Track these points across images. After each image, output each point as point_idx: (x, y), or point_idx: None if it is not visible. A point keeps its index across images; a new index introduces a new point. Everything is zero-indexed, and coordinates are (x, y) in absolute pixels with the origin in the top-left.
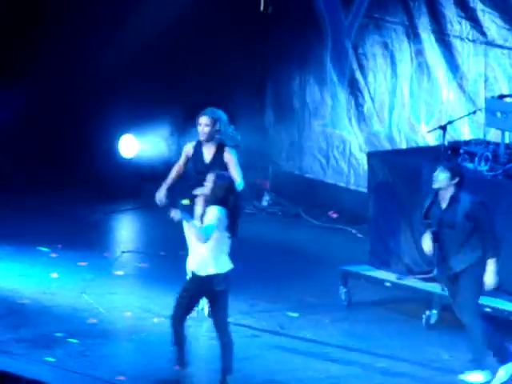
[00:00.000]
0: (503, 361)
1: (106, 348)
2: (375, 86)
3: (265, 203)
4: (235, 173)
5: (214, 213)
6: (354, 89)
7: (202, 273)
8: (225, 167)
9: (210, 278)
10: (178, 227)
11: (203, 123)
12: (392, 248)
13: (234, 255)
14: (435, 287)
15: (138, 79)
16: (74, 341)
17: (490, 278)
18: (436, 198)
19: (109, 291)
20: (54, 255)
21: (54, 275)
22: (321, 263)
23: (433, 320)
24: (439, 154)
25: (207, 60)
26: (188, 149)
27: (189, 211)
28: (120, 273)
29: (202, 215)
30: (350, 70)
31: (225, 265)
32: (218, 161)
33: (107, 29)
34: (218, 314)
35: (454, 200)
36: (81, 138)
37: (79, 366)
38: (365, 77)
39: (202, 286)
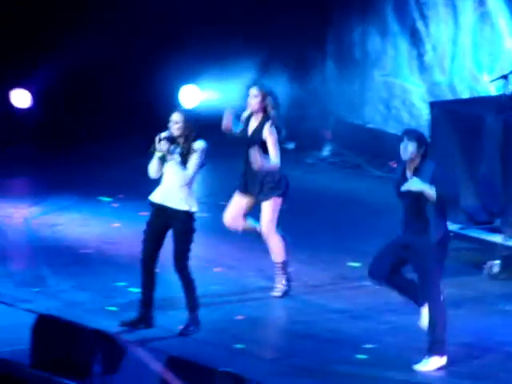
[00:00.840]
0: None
1: (165, 297)
2: (437, 35)
3: (326, 153)
4: (272, 152)
5: (200, 145)
6: (415, 39)
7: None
8: (263, 143)
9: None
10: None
11: (252, 94)
12: (454, 198)
13: (295, 206)
14: (498, 237)
15: (201, 29)
16: (136, 290)
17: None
18: (404, 169)
19: (169, 241)
20: (115, 205)
21: (116, 225)
22: (382, 214)
23: (495, 270)
24: (501, 103)
25: (269, 11)
26: (244, 113)
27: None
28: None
29: None
30: (411, 20)
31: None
32: (259, 134)
33: None
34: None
35: (417, 170)
36: (142, 86)
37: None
38: (426, 26)
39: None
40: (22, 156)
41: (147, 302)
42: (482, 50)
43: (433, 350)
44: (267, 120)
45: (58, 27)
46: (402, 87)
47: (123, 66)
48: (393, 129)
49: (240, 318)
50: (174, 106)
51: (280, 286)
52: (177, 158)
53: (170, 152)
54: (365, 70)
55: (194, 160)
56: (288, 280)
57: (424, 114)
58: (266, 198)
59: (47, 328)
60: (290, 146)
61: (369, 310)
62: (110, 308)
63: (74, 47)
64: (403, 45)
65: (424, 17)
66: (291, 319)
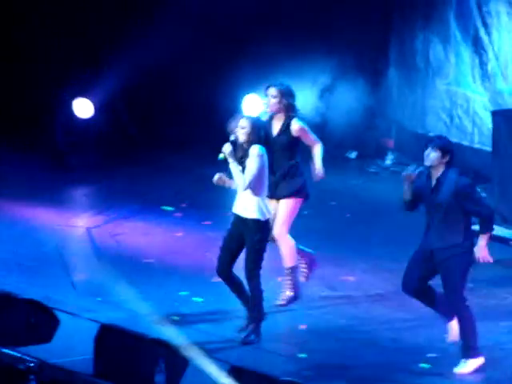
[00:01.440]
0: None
1: (228, 307)
2: (500, 43)
3: (388, 162)
4: (312, 139)
5: (256, 150)
6: (478, 47)
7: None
8: (293, 140)
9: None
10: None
11: (270, 94)
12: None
13: (357, 214)
14: None
15: (261, 39)
16: (199, 299)
17: (480, 251)
18: (428, 176)
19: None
20: (178, 214)
21: (179, 234)
22: None
23: None
24: None
25: (332, 19)
26: (264, 116)
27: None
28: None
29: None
30: (474, 28)
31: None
32: (286, 134)
33: None
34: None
35: (440, 180)
36: (206, 95)
37: (203, 324)
38: (489, 35)
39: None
40: (85, 165)
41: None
42: None
43: (468, 354)
44: (290, 119)
45: (120, 36)
46: (465, 96)
47: (186, 75)
48: (455, 138)
49: (303, 327)
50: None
51: (287, 293)
52: (235, 165)
53: (230, 158)
54: (427, 78)
55: (249, 166)
56: (296, 287)
57: (487, 122)
58: (284, 196)
59: (110, 338)
60: (353, 154)
61: (432, 318)
62: (174, 317)
63: (135, 56)
64: (466, 53)
65: (486, 25)
66: (354, 328)
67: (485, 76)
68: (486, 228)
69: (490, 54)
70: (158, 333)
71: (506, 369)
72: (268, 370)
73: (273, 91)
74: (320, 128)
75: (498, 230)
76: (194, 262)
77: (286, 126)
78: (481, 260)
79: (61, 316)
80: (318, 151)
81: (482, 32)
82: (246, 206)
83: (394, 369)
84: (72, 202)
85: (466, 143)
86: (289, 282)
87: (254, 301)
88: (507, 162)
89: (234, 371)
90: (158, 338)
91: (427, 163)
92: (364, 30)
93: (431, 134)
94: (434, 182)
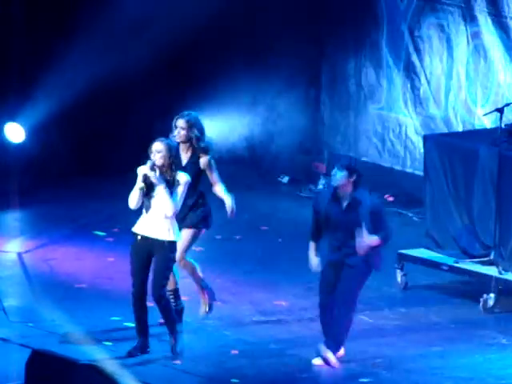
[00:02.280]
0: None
1: (161, 331)
2: (431, 68)
3: (320, 187)
4: (215, 177)
5: (185, 178)
6: (409, 72)
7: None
8: (200, 172)
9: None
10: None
11: (179, 126)
12: (448, 231)
13: (289, 239)
14: (492, 270)
15: (195, 62)
16: (131, 325)
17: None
18: (334, 196)
19: None
20: (110, 239)
21: (111, 259)
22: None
23: (490, 303)
24: (496, 136)
25: (261, 45)
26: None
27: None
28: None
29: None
30: (405, 53)
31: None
32: (194, 165)
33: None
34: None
35: (353, 200)
36: (141, 120)
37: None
38: (421, 60)
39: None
40: (16, 190)
41: (144, 330)
42: (477, 82)
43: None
44: (199, 151)
45: (52, 58)
46: (397, 120)
47: (121, 98)
48: (387, 162)
49: (235, 352)
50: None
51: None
52: (164, 189)
53: (157, 182)
54: (359, 102)
55: (179, 192)
56: (209, 293)
57: (419, 147)
58: (189, 226)
59: (42, 363)
60: (285, 179)
61: (364, 344)
62: (106, 342)
63: (68, 79)
64: (398, 78)
65: (418, 50)
66: (286, 353)
67: (417, 100)
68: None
69: (422, 79)
70: (91, 358)
71: None
72: None
73: (181, 123)
74: (252, 152)
75: (431, 255)
76: (126, 287)
77: (195, 158)
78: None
79: None
80: (220, 189)
81: (413, 57)
82: (162, 227)
83: None
84: (3, 226)
85: (398, 167)
86: (202, 295)
87: (168, 318)
88: (438, 186)
89: None
90: (91, 362)
91: (334, 183)
92: (296, 54)
93: (341, 154)
94: (344, 201)
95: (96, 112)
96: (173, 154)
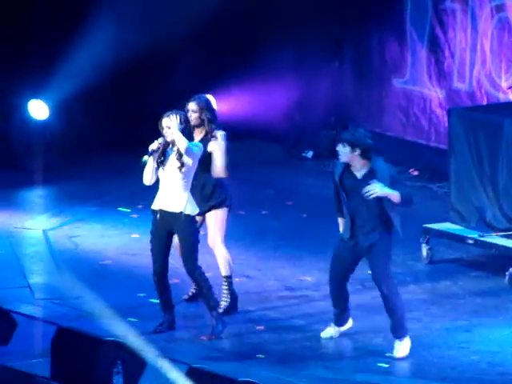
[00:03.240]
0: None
1: (186, 308)
2: (455, 42)
3: None
4: (218, 162)
5: (198, 144)
6: (433, 45)
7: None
8: (209, 154)
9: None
10: (255, 189)
11: (190, 109)
12: (473, 205)
13: (314, 214)
14: None
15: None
16: (156, 301)
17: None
18: (347, 167)
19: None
20: (134, 216)
21: (135, 236)
22: (402, 221)
23: None
24: None
25: (284, 20)
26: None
27: None
28: (201, 232)
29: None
30: (429, 27)
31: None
32: (206, 147)
33: None
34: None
35: (370, 170)
36: (164, 98)
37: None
38: (445, 33)
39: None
40: (41, 167)
41: (169, 305)
42: (501, 56)
43: (402, 334)
44: (209, 133)
45: (75, 37)
46: (421, 94)
47: (145, 76)
48: (412, 136)
49: (260, 328)
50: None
51: (223, 303)
52: (175, 161)
53: (165, 155)
54: (383, 76)
55: (190, 162)
56: (232, 296)
57: (443, 120)
58: (211, 209)
59: (67, 340)
60: (309, 154)
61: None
62: (131, 319)
63: (91, 57)
64: (422, 51)
65: (442, 23)
66: (312, 328)
67: (441, 74)
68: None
69: (446, 53)
70: (116, 334)
71: (464, 366)
72: (225, 371)
73: (192, 106)
74: (276, 127)
75: (456, 229)
76: (151, 264)
77: (207, 140)
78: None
79: (18, 319)
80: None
81: (437, 30)
82: (178, 201)
83: (352, 368)
84: (28, 204)
85: (422, 142)
86: (225, 290)
87: (203, 290)
88: (463, 160)
89: (191, 372)
90: (116, 339)
91: (342, 160)
92: (320, 29)
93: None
94: (358, 172)
95: (120, 89)
96: (184, 125)
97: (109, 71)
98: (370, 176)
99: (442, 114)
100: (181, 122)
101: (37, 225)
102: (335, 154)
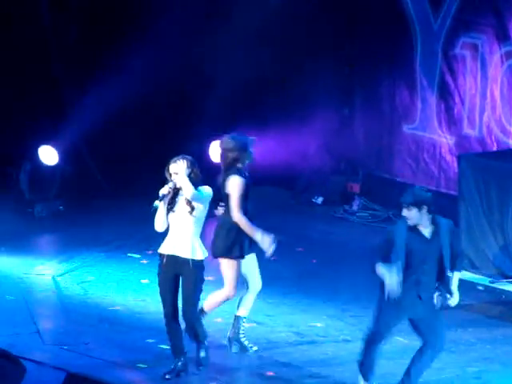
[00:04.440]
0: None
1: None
2: (465, 88)
3: (355, 207)
4: (234, 205)
5: (207, 189)
6: (443, 92)
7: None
8: (226, 196)
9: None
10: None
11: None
12: (484, 251)
13: (324, 260)
14: None
15: (229, 84)
16: (166, 347)
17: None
18: (415, 230)
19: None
20: (144, 261)
21: (145, 281)
22: None
23: None
24: None
25: (294, 66)
26: None
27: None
28: (211, 278)
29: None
30: (439, 73)
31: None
32: (223, 187)
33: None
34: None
35: (435, 225)
36: (172, 141)
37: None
38: (455, 79)
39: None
40: (50, 213)
41: (181, 350)
42: (511, 102)
43: None
44: (230, 174)
45: (83, 81)
46: (431, 140)
47: (149, 121)
48: (422, 182)
49: (270, 374)
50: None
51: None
52: (185, 206)
53: (175, 200)
54: (393, 122)
55: (201, 206)
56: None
57: (453, 166)
58: (219, 256)
59: None
60: (319, 200)
61: (401, 365)
62: (141, 365)
63: (100, 101)
64: (431, 98)
65: (452, 70)
66: (322, 374)
67: (451, 120)
68: (460, 263)
69: (456, 99)
70: (125, 380)
71: None
72: None
73: (220, 145)
74: (286, 173)
75: (466, 275)
76: (160, 309)
77: (224, 181)
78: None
79: (27, 365)
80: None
81: (447, 76)
82: (186, 246)
83: None
84: (38, 249)
85: (432, 187)
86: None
87: (197, 340)
88: (473, 206)
89: None
90: None
91: (411, 223)
92: (329, 76)
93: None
94: (425, 230)
95: (129, 135)
96: (191, 170)
97: (119, 116)
98: (436, 231)
99: (452, 160)
100: (188, 167)
101: (46, 270)
102: (344, 200)
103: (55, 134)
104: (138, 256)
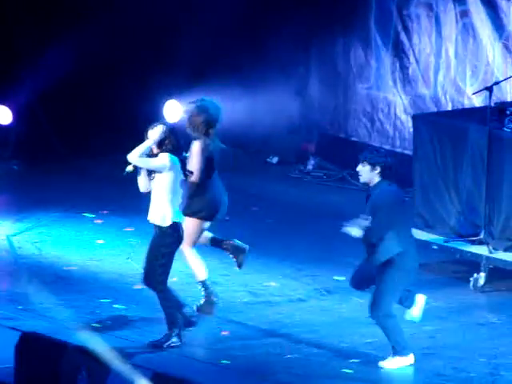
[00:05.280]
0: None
1: (150, 314)
2: (420, 47)
3: (310, 167)
4: (191, 168)
5: (164, 157)
6: (398, 51)
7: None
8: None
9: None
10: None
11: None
12: (438, 211)
13: (279, 220)
14: (482, 249)
15: (181, 44)
16: (121, 307)
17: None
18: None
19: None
20: (99, 221)
21: (100, 241)
22: None
23: (480, 282)
24: (485, 115)
25: (253, 23)
26: None
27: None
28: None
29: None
30: (394, 32)
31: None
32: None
33: None
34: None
35: (371, 189)
36: (125, 100)
37: (125, 331)
38: (409, 39)
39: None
40: (5, 173)
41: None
42: (466, 61)
43: (395, 351)
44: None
45: (39, 39)
46: (386, 100)
47: (107, 80)
48: (377, 141)
49: (225, 333)
50: (158, 120)
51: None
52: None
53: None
54: (348, 82)
55: (150, 160)
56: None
57: (408, 126)
58: (188, 214)
59: (31, 346)
60: (274, 159)
61: (355, 324)
62: (95, 325)
63: (55, 60)
64: (386, 57)
65: (407, 29)
66: (277, 334)
67: (405, 80)
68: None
69: (411, 58)
70: (80, 340)
71: (427, 373)
72: (191, 376)
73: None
74: (241, 133)
75: (421, 235)
76: (115, 269)
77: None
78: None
79: None
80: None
81: (402, 36)
82: (156, 212)
83: (318, 374)
84: None
85: (387, 147)
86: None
87: (163, 307)
88: (427, 166)
89: (156, 377)
90: (80, 345)
91: (361, 180)
92: (285, 35)
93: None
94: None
95: (86, 94)
96: (165, 135)
97: (73, 74)
98: (369, 195)
99: (407, 119)
100: (163, 133)
101: (1, 230)
102: (299, 160)
103: (10, 94)
104: (93, 216)
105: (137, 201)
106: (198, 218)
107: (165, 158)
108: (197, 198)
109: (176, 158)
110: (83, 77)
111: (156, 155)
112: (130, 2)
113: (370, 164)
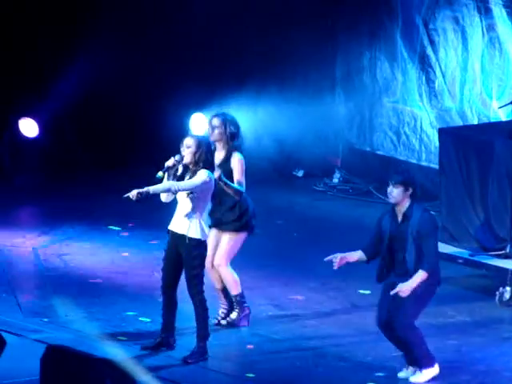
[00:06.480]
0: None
1: (178, 325)
2: (446, 61)
3: (335, 180)
4: (238, 178)
5: (203, 174)
6: (424, 65)
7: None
8: (231, 172)
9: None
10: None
11: (214, 125)
12: (464, 224)
13: (304, 233)
14: (508, 263)
15: (207, 57)
16: (146, 319)
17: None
18: (393, 211)
19: None
20: (125, 234)
21: (125, 254)
22: None
23: (506, 297)
24: (511, 128)
25: (278, 38)
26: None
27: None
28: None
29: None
30: (420, 46)
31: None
32: (226, 164)
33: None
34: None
35: (405, 216)
36: (152, 115)
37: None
38: (436, 52)
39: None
40: (31, 185)
41: (167, 326)
42: (492, 75)
43: (423, 364)
44: (231, 149)
45: (66, 54)
46: (412, 113)
47: (132, 94)
48: (402, 155)
49: (250, 347)
50: (183, 133)
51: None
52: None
53: (179, 176)
54: (374, 95)
55: (190, 181)
56: (242, 311)
57: (434, 140)
58: (226, 229)
59: (57, 358)
60: (300, 173)
61: (380, 337)
62: (120, 338)
63: (82, 75)
64: (412, 71)
65: (433, 42)
66: (302, 347)
67: (432, 93)
68: (427, 268)
69: (437, 72)
70: (105, 353)
71: None
72: None
73: (216, 121)
74: (268, 146)
75: (446, 248)
76: (141, 282)
77: (227, 157)
78: (399, 292)
79: (7, 337)
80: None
81: (428, 49)
82: (185, 223)
83: None
84: (18, 222)
85: (413, 161)
86: (238, 307)
87: (199, 318)
88: (453, 179)
89: None
90: (105, 357)
91: (392, 201)
92: (310, 49)
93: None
94: (400, 216)
95: (111, 107)
96: (202, 150)
97: (100, 89)
98: (406, 219)
99: (433, 133)
100: (197, 146)
101: (27, 243)
102: (325, 173)
103: (35, 107)
104: (119, 228)
105: (161, 214)
106: (245, 232)
107: (204, 175)
108: (242, 212)
109: (212, 174)
110: (108, 89)
111: (186, 168)
112: (158, 15)
113: (403, 185)
